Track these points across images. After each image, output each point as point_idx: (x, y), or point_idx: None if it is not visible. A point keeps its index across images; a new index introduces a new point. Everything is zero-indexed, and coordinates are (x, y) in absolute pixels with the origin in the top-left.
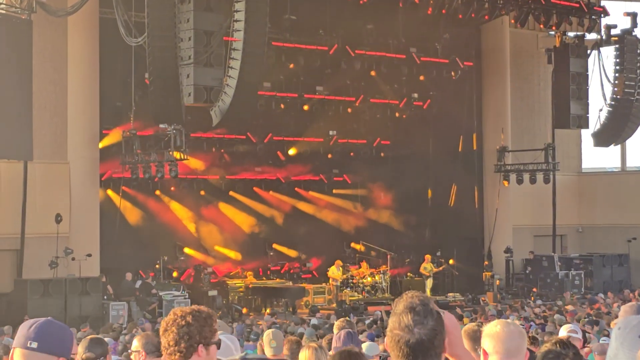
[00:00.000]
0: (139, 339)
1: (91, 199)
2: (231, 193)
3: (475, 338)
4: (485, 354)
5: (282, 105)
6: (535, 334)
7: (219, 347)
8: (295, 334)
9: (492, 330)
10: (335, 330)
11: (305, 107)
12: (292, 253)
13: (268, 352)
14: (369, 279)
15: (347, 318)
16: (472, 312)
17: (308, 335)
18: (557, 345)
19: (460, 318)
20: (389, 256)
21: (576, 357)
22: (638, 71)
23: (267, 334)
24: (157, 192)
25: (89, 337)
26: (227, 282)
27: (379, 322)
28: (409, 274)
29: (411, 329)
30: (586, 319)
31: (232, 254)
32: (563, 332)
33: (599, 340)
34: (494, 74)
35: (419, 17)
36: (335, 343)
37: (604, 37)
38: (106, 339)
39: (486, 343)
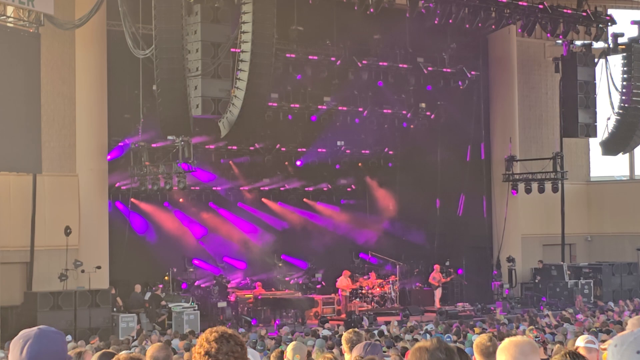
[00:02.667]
0: (148, 354)
1: (100, 211)
2: (239, 204)
3: (488, 353)
4: None
5: (290, 116)
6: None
7: None
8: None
9: (502, 345)
10: (343, 342)
11: (313, 118)
12: (301, 264)
13: None
14: (378, 289)
15: (356, 329)
16: (482, 322)
17: (318, 346)
18: (567, 357)
19: (471, 327)
20: (397, 266)
21: None
22: None
23: (289, 348)
24: (166, 204)
25: (100, 352)
26: (237, 293)
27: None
28: (417, 284)
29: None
30: (597, 329)
31: (241, 265)
32: (580, 342)
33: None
34: (501, 83)
35: (426, 27)
36: (359, 353)
37: (611, 46)
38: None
39: (499, 355)
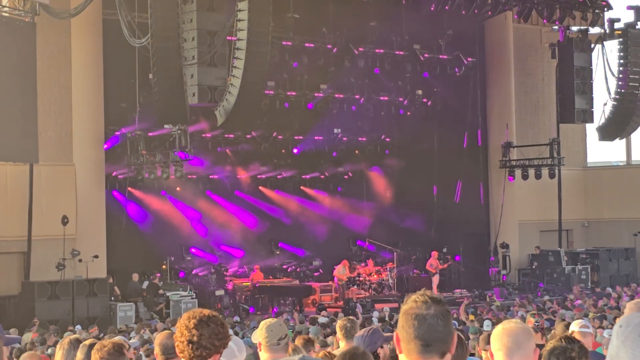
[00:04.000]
0: (156, 342)
1: (97, 200)
2: (237, 192)
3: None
4: (492, 354)
5: (287, 104)
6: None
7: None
8: (302, 332)
9: (495, 330)
10: (337, 330)
11: (310, 106)
12: (299, 251)
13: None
14: (375, 276)
15: (351, 317)
16: (476, 308)
17: (313, 334)
18: (563, 341)
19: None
20: (395, 253)
21: (581, 351)
22: None
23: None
24: (163, 192)
25: (68, 338)
26: (234, 281)
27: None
28: (415, 270)
29: (429, 305)
30: (597, 314)
31: (238, 253)
32: (574, 327)
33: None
34: (497, 69)
35: (422, 13)
36: (361, 341)
37: (607, 31)
38: None
39: (492, 343)
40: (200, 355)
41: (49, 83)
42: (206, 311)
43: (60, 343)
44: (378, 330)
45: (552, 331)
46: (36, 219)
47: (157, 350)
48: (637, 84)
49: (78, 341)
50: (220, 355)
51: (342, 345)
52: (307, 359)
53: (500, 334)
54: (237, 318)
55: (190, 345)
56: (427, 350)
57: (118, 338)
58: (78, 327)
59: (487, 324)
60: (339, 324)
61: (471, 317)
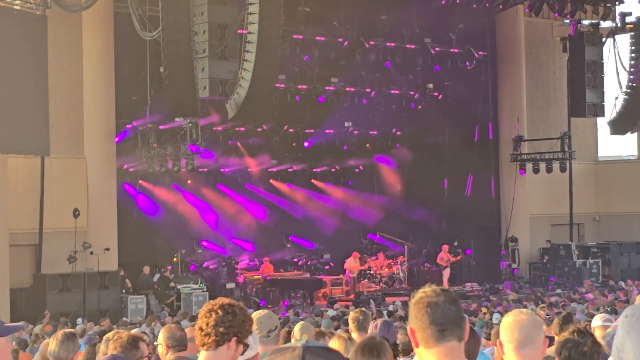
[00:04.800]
0: (163, 332)
1: (108, 193)
2: (247, 186)
3: None
4: (501, 344)
5: (298, 97)
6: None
7: (244, 351)
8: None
9: (505, 321)
10: (350, 322)
11: (321, 99)
12: (309, 245)
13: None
14: (386, 269)
15: (363, 309)
16: (487, 301)
17: (324, 327)
18: (575, 334)
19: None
20: (406, 247)
21: (594, 346)
22: None
23: (298, 327)
24: (174, 186)
25: (62, 332)
26: (245, 274)
27: (396, 313)
28: (426, 264)
29: (438, 293)
30: (608, 308)
31: (249, 246)
32: (597, 321)
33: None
34: (509, 63)
35: (433, 7)
36: (372, 332)
37: (619, 25)
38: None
39: (501, 334)
40: (225, 326)
41: (60, 76)
42: (224, 300)
43: (54, 335)
44: (389, 323)
45: (555, 320)
46: (47, 211)
47: (162, 338)
48: None
49: (72, 334)
50: (237, 344)
51: (354, 337)
52: (310, 343)
53: (511, 327)
54: (251, 310)
55: (200, 331)
56: (443, 335)
57: (136, 331)
58: (79, 320)
59: (496, 317)
60: (351, 316)
61: (484, 309)
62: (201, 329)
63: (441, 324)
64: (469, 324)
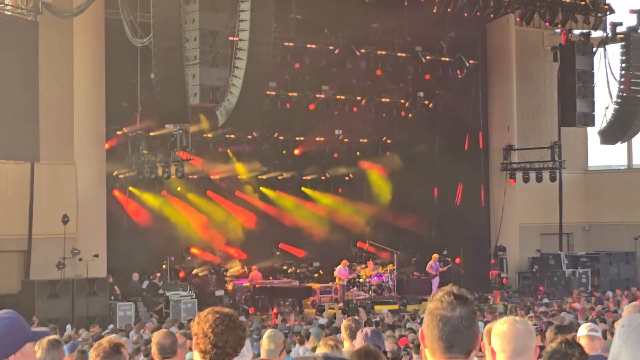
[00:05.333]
0: (153, 339)
1: (98, 200)
2: (237, 193)
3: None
4: (493, 352)
5: (288, 105)
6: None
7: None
8: (300, 333)
9: (499, 329)
10: (342, 330)
11: (311, 107)
12: (299, 253)
13: (263, 354)
14: (375, 278)
15: (355, 317)
16: (479, 311)
17: (314, 335)
18: (563, 345)
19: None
20: (395, 255)
21: (582, 357)
22: None
23: (265, 336)
24: (164, 192)
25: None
26: (234, 282)
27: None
28: (415, 273)
29: (454, 306)
30: (596, 318)
31: (238, 254)
32: (583, 331)
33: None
34: (499, 72)
35: (424, 15)
36: (361, 341)
37: (609, 35)
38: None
39: (494, 342)
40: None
41: (50, 82)
42: (229, 313)
43: (39, 342)
44: (378, 331)
45: (548, 332)
46: (37, 217)
47: (154, 349)
48: (639, 88)
49: (57, 341)
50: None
51: (346, 345)
52: (331, 355)
53: (506, 336)
54: (242, 318)
55: (215, 349)
56: (450, 351)
57: (114, 336)
58: (68, 326)
59: (480, 325)
60: (344, 324)
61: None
62: (216, 347)
63: (450, 341)
64: (480, 338)
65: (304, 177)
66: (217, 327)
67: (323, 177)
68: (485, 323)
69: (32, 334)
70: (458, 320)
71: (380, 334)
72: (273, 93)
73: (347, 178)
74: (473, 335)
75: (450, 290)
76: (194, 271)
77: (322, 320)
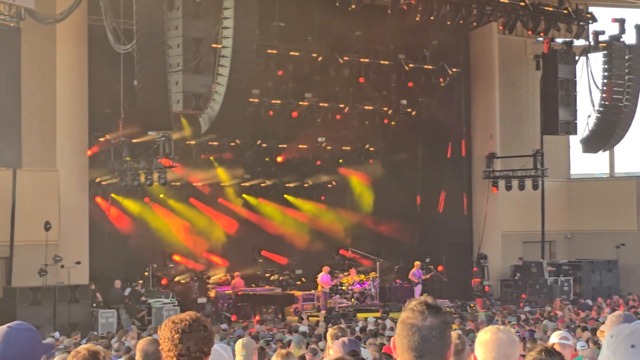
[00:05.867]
0: (137, 346)
1: (80, 207)
2: (220, 200)
3: (457, 351)
4: (476, 358)
5: (271, 112)
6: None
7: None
8: (284, 341)
9: (482, 338)
10: (328, 338)
11: (294, 114)
12: (281, 260)
13: None
14: (358, 285)
15: (340, 325)
16: (461, 319)
17: (295, 342)
18: (543, 354)
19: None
20: (378, 263)
21: None
22: (626, 77)
23: (238, 344)
24: (146, 200)
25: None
26: (217, 289)
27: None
28: (398, 280)
29: (425, 316)
30: (577, 326)
31: (221, 261)
32: (554, 338)
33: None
34: (482, 80)
35: (408, 23)
36: (339, 350)
37: (592, 44)
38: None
39: (477, 350)
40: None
41: (33, 88)
42: (188, 316)
43: None
44: (354, 340)
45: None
46: (19, 224)
47: (138, 356)
48: (621, 97)
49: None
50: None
51: (332, 353)
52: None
53: (488, 345)
54: (225, 326)
55: (182, 359)
56: None
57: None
58: (57, 333)
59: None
60: (330, 332)
61: (454, 326)
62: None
63: (419, 351)
64: (452, 350)
65: (287, 185)
66: (175, 337)
67: (306, 185)
68: (469, 332)
69: (44, 347)
70: (428, 330)
71: (358, 343)
72: (256, 100)
73: (329, 185)
74: (444, 346)
75: (423, 299)
76: (177, 278)
77: (304, 328)
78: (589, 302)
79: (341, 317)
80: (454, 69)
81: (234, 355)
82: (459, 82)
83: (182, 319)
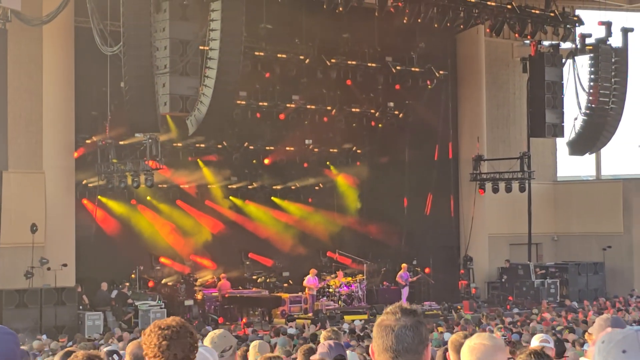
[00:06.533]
0: (127, 349)
1: (67, 209)
2: (207, 202)
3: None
4: None
5: (258, 114)
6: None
7: None
8: (270, 343)
9: (468, 344)
10: (322, 341)
11: (281, 116)
12: (268, 262)
13: None
14: (345, 287)
15: (334, 328)
16: (446, 321)
17: (280, 345)
18: (532, 356)
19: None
20: (365, 265)
21: None
22: (613, 80)
23: (254, 346)
24: (133, 202)
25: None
26: (204, 291)
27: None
28: (385, 282)
29: (399, 317)
30: (564, 328)
31: (208, 263)
32: (535, 341)
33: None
34: (469, 82)
35: (395, 26)
36: (324, 352)
37: (578, 46)
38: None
39: (463, 356)
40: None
41: (19, 90)
42: (174, 322)
43: None
44: (339, 344)
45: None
46: (5, 226)
47: (127, 359)
48: (607, 99)
49: (25, 352)
50: None
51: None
52: None
53: (471, 351)
54: (209, 328)
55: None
56: None
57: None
58: (44, 336)
59: (447, 336)
60: (323, 334)
61: (440, 329)
62: (156, 357)
63: (395, 350)
64: (430, 350)
65: (274, 187)
66: (162, 345)
67: (293, 187)
68: (447, 333)
69: (21, 352)
70: (402, 330)
71: (343, 346)
72: (243, 102)
73: (317, 188)
74: (419, 345)
75: (399, 304)
76: (163, 280)
77: (292, 330)
78: (575, 304)
79: (328, 319)
80: (441, 72)
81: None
82: (446, 84)
83: (168, 325)
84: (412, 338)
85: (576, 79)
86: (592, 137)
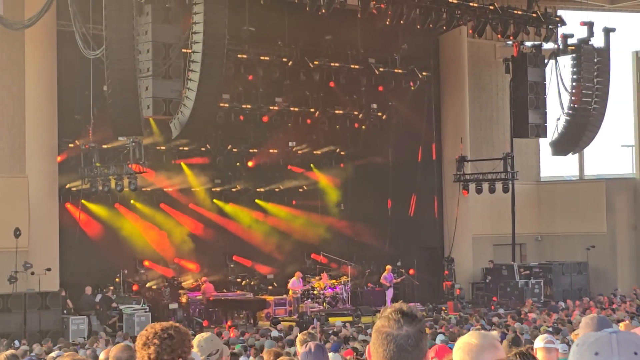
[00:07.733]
0: (111, 355)
1: (50, 213)
2: (191, 205)
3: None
4: None
5: (242, 117)
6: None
7: None
8: (256, 346)
9: (461, 342)
10: (297, 344)
11: (265, 119)
12: (253, 265)
13: None
14: (329, 289)
15: (310, 330)
16: (433, 322)
17: (268, 347)
18: (518, 357)
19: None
20: (349, 267)
21: None
22: (595, 80)
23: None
24: (117, 205)
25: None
26: (188, 294)
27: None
28: (369, 284)
29: (400, 325)
30: (549, 328)
31: (192, 266)
32: (540, 342)
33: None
34: (452, 84)
35: (377, 27)
36: (304, 356)
37: (561, 47)
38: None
39: (455, 355)
40: (167, 352)
41: (2, 94)
42: (170, 326)
43: None
44: (322, 346)
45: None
46: None
47: None
48: (590, 99)
49: (14, 356)
50: None
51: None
52: None
53: (456, 350)
54: (191, 332)
55: (158, 338)
56: None
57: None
58: (16, 342)
59: (440, 337)
60: (298, 337)
61: (427, 330)
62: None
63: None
64: (428, 356)
65: (258, 189)
66: (159, 348)
67: (277, 189)
68: (440, 335)
69: None
70: (404, 339)
71: (325, 349)
72: (226, 105)
73: (300, 190)
74: (420, 354)
75: (399, 307)
76: (148, 284)
77: (276, 333)
78: (562, 304)
79: (312, 322)
80: (424, 73)
81: None
82: (429, 85)
83: (164, 329)
84: (413, 348)
85: (558, 79)
86: (575, 137)
